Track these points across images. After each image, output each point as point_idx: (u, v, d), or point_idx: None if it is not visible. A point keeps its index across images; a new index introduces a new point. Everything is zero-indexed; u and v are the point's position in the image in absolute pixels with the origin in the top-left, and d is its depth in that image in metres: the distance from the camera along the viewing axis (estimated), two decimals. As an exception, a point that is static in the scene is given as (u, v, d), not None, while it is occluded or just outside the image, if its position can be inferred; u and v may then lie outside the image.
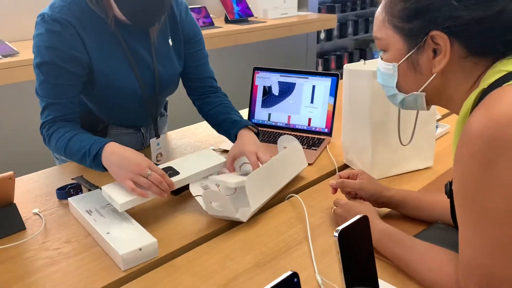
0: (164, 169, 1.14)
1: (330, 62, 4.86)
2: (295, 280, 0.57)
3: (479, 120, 0.67)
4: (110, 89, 1.29)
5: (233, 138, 1.33)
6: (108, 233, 0.99)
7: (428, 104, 0.85)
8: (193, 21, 1.44)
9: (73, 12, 1.20)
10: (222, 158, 1.26)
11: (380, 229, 0.90)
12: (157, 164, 1.13)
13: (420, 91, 0.83)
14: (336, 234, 0.71)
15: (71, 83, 1.23)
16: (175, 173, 1.15)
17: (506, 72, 0.72)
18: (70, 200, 1.14)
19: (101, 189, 1.11)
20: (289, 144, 1.28)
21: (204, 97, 1.47)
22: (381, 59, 0.86)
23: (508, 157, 0.64)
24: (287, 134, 1.43)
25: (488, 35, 0.73)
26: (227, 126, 1.36)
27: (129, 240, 0.97)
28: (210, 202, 1.08)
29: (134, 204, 1.08)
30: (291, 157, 1.26)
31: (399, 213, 1.07)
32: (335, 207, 1.06)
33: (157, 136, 1.43)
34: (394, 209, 1.07)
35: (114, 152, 1.10)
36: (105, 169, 1.13)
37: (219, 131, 1.43)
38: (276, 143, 1.34)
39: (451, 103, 0.83)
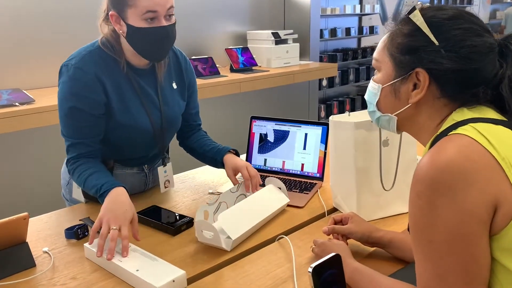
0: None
1: (332, 108, 5.01)
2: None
3: (424, 165, 0.78)
4: (125, 124, 1.44)
5: (219, 163, 1.56)
6: (138, 270, 1.07)
7: (399, 129, 0.97)
8: (193, 71, 1.65)
9: (92, 59, 1.39)
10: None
11: (352, 267, 0.99)
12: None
13: (394, 115, 0.94)
14: (310, 269, 0.80)
15: (92, 125, 1.40)
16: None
17: (455, 122, 0.84)
18: (86, 246, 1.20)
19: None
20: (273, 184, 1.44)
21: (190, 135, 1.69)
22: (372, 79, 0.98)
23: (444, 198, 0.75)
24: (282, 178, 1.57)
25: (461, 84, 0.86)
26: (213, 153, 1.59)
27: (160, 274, 1.05)
28: (201, 231, 1.21)
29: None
30: (270, 195, 1.41)
31: (387, 252, 1.15)
32: (313, 246, 1.16)
33: (164, 164, 1.58)
34: (383, 248, 1.16)
35: (112, 195, 1.26)
36: None
37: (204, 159, 1.64)
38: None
39: (420, 135, 0.94)
